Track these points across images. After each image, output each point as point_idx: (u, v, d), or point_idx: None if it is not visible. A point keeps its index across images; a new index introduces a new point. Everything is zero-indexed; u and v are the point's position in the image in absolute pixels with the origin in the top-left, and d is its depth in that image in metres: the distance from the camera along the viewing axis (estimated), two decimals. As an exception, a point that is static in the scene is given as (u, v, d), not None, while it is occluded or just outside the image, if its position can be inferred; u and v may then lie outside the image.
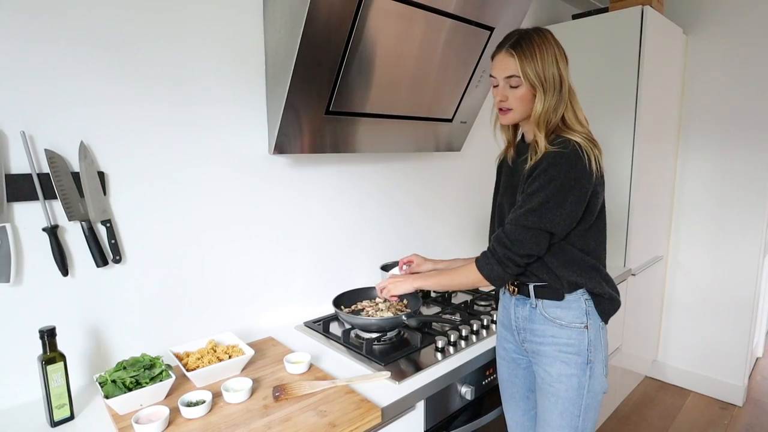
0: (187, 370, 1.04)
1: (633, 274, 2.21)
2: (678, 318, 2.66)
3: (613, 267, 2.18)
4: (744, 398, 2.48)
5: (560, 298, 1.07)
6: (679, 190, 2.60)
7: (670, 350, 2.70)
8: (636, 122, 2.10)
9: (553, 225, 0.99)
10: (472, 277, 1.09)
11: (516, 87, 1.02)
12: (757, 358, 2.95)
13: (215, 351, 1.12)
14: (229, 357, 1.10)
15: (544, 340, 1.08)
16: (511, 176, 1.14)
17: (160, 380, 0.98)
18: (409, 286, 1.20)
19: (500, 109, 1.08)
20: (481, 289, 1.69)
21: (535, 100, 1.01)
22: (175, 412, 0.94)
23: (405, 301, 1.44)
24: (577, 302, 1.07)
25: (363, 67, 1.31)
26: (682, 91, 2.52)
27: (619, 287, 2.07)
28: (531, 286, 1.09)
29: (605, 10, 2.21)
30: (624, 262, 2.21)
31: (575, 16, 2.29)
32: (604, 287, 1.07)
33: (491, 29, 1.53)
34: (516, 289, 1.13)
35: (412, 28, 1.34)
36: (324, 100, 1.29)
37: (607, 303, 1.09)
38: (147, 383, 0.97)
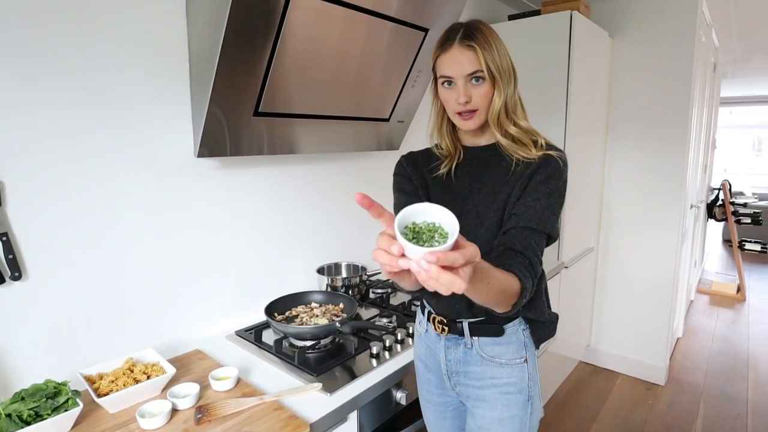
0: (99, 395, 0.96)
1: (566, 267, 2.31)
2: (608, 305, 2.83)
3: (546, 261, 2.26)
4: (666, 378, 2.68)
5: (500, 333, 0.96)
6: (607, 185, 2.75)
7: (602, 335, 2.87)
8: (567, 120, 2.18)
9: (554, 229, 0.90)
10: (510, 292, 0.77)
11: (479, 84, 0.91)
12: (677, 339, 3.20)
13: (132, 371, 1.04)
14: (148, 377, 1.03)
15: (483, 383, 0.97)
16: (471, 182, 0.99)
17: (65, 410, 0.89)
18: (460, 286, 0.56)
19: (460, 113, 0.93)
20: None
21: (493, 95, 0.92)
22: (82, 445, 0.86)
23: (341, 305, 1.42)
24: (516, 334, 0.97)
25: (295, 67, 1.25)
26: (608, 90, 2.65)
27: (553, 280, 2.20)
28: (465, 324, 0.96)
29: (538, 12, 2.27)
30: (558, 256, 2.31)
31: (511, 17, 2.34)
32: (545, 310, 0.99)
33: (426, 30, 1.52)
34: (446, 328, 0.98)
35: (345, 29, 1.29)
36: (252, 101, 1.23)
37: (541, 329, 1.00)
38: (49, 415, 0.87)
